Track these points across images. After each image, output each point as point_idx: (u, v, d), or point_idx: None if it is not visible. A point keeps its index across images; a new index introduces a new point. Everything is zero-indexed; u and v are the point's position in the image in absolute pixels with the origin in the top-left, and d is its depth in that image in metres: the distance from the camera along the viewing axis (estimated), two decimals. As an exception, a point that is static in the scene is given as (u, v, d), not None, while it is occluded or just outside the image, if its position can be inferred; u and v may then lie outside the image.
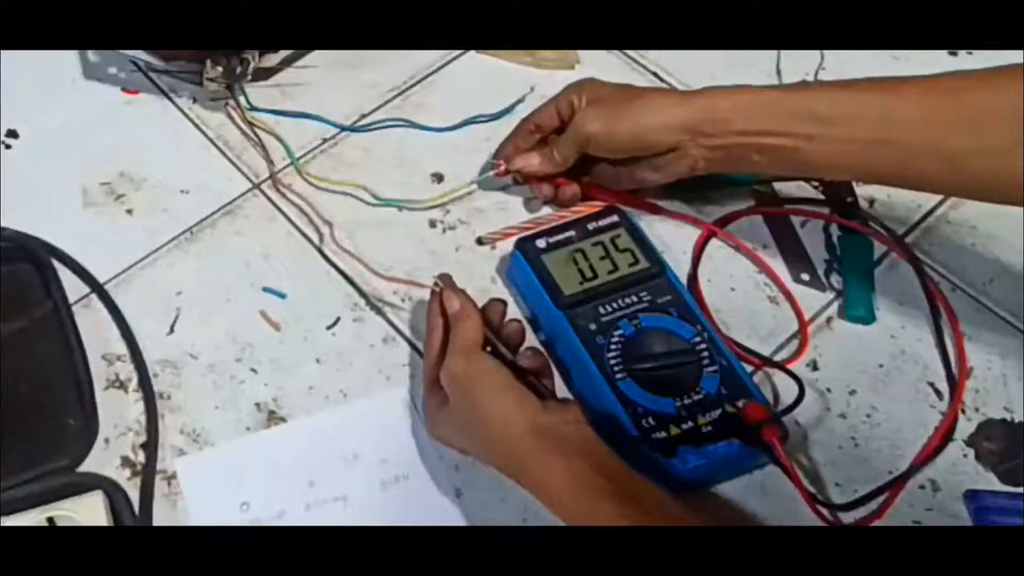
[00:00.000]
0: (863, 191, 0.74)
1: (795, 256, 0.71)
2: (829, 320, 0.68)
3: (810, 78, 0.80)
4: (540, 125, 0.71)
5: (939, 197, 0.74)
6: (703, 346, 0.63)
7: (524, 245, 0.68)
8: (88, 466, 0.61)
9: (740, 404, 0.61)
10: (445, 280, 0.62)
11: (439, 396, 0.59)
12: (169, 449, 0.63)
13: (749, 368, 0.65)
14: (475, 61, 0.82)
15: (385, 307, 0.69)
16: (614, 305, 0.65)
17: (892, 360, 0.67)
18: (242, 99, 0.77)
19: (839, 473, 0.62)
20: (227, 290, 0.69)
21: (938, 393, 0.65)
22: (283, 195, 0.73)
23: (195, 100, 0.79)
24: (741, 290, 0.70)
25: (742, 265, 0.71)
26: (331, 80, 0.80)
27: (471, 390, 0.57)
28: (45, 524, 0.57)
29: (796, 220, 0.73)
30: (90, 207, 0.73)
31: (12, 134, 0.77)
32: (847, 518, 0.60)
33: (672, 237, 0.72)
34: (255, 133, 0.77)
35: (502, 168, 0.71)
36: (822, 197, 0.74)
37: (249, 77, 0.76)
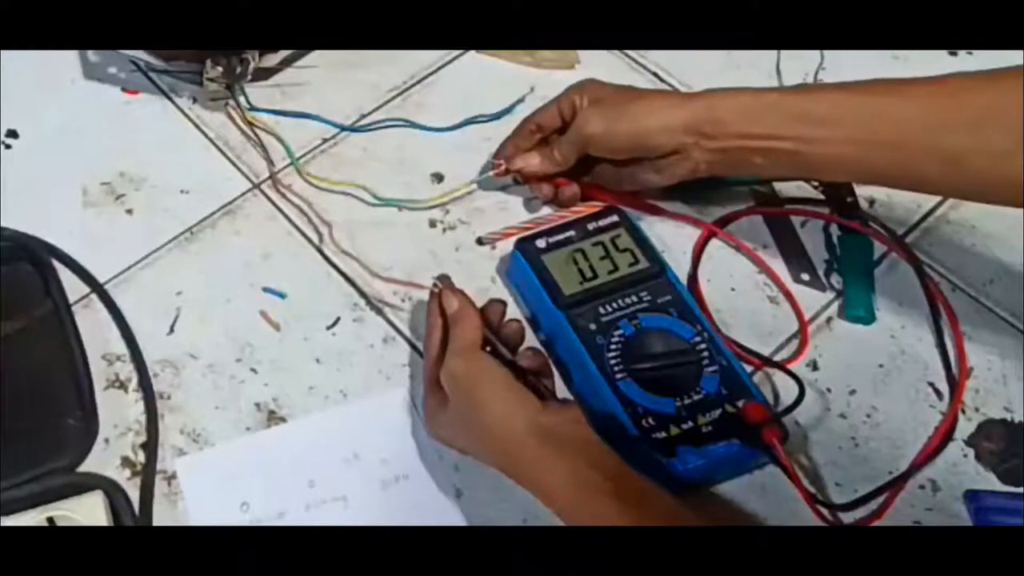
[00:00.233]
0: (863, 191, 0.74)
1: (795, 256, 0.71)
2: (829, 320, 0.68)
3: (810, 78, 0.80)
4: (541, 125, 0.71)
5: (939, 197, 0.74)
6: (703, 346, 0.63)
7: (524, 245, 0.68)
8: (88, 466, 0.61)
9: (740, 404, 0.61)
10: (444, 281, 0.62)
11: (439, 396, 0.59)
12: (169, 449, 0.63)
13: (749, 368, 0.65)
14: (475, 61, 0.82)
15: (385, 307, 0.69)
16: (614, 305, 0.65)
17: (892, 360, 0.67)
18: (242, 99, 0.77)
19: (839, 473, 0.62)
20: (227, 290, 0.69)
21: (938, 393, 0.65)
22: (283, 195, 0.73)
23: (195, 100, 0.79)
24: (741, 290, 0.70)
25: (742, 265, 0.71)
26: (331, 80, 0.80)
27: (471, 390, 0.57)
28: (45, 524, 0.57)
29: (796, 220, 0.73)
30: (90, 207, 0.73)
31: (12, 134, 0.77)
32: (847, 518, 0.60)
33: (672, 237, 0.72)
34: (255, 133, 0.77)
35: (502, 168, 0.71)
36: (822, 197, 0.74)
37: (249, 77, 0.76)
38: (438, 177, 0.75)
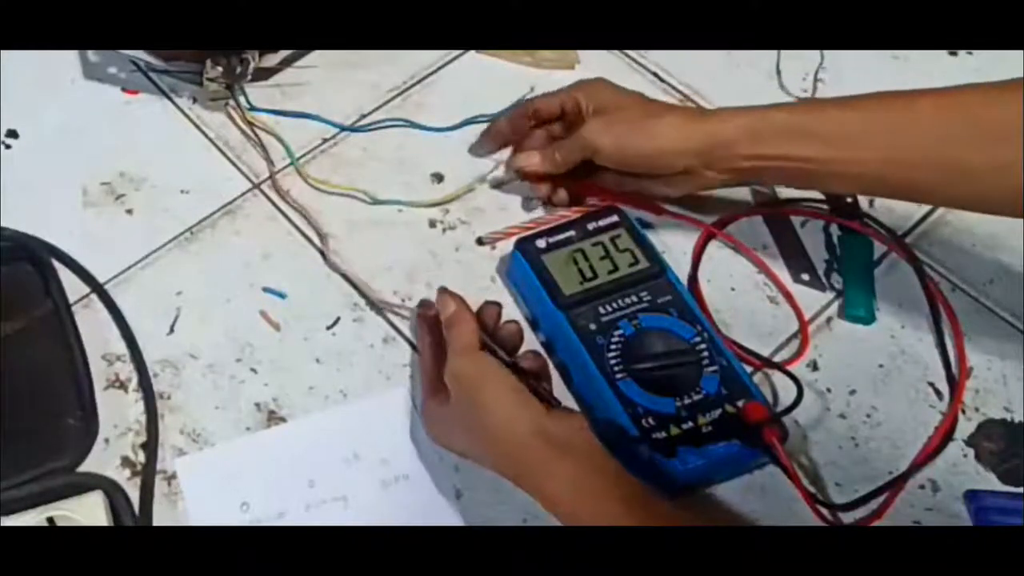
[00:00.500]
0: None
1: (795, 256, 0.71)
2: (829, 320, 0.68)
3: (809, 78, 0.80)
4: (538, 111, 0.71)
5: (939, 198, 0.74)
6: (703, 346, 0.63)
7: (524, 245, 0.68)
8: (88, 466, 0.61)
9: (740, 404, 0.61)
10: (440, 289, 0.63)
11: (439, 397, 0.59)
12: (169, 449, 0.63)
13: (749, 368, 0.65)
14: (475, 61, 0.82)
15: (385, 307, 0.69)
16: (614, 305, 0.65)
17: (892, 360, 0.67)
18: (242, 99, 0.77)
19: (839, 473, 0.62)
20: (227, 290, 0.69)
21: (938, 393, 0.65)
22: (283, 195, 0.73)
23: (195, 100, 0.79)
24: (741, 290, 0.70)
25: (742, 265, 0.71)
26: (331, 80, 0.80)
27: (474, 390, 0.57)
28: (45, 524, 0.57)
29: (796, 220, 0.73)
30: (90, 207, 0.73)
31: (12, 134, 0.77)
32: (847, 518, 0.60)
33: (672, 237, 0.72)
34: (255, 133, 0.77)
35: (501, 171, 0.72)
36: (822, 197, 0.74)
37: (249, 77, 0.76)
38: (438, 177, 0.75)
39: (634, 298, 0.65)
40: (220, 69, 0.75)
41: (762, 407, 0.61)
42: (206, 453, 0.62)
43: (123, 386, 0.65)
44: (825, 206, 0.73)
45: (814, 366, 0.66)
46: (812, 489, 0.60)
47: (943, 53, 0.82)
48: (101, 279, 0.69)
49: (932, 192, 0.61)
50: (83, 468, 0.61)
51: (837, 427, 0.64)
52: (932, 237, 0.72)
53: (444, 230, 0.72)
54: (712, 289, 0.69)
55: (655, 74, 0.81)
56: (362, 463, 0.62)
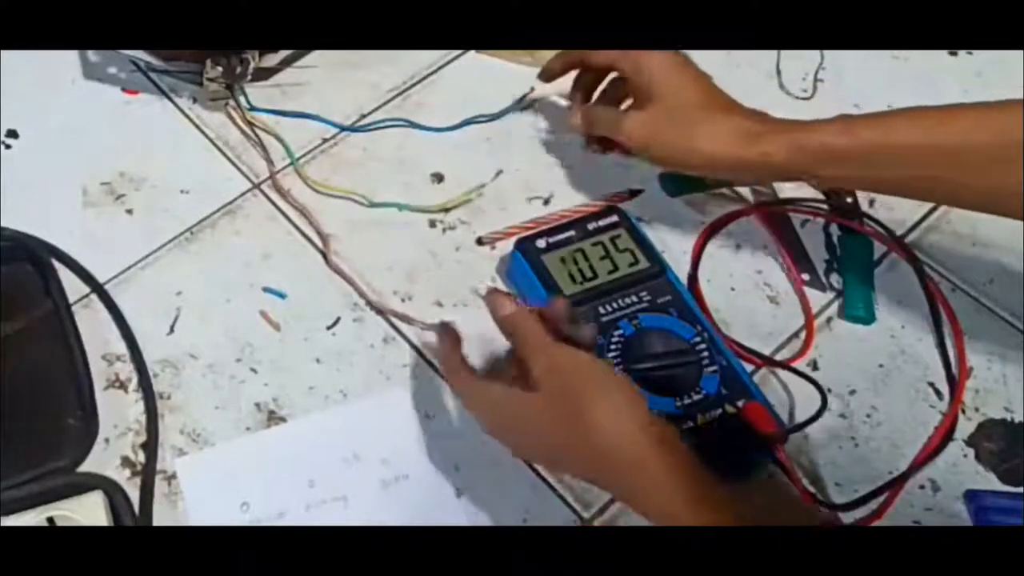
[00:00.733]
0: (863, 192, 0.74)
1: (795, 256, 0.71)
2: (829, 320, 0.68)
3: (809, 79, 0.80)
4: (586, 62, 0.71)
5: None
6: (703, 346, 0.63)
7: (524, 245, 0.68)
8: (88, 466, 0.61)
9: (740, 404, 0.61)
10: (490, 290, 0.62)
11: (507, 394, 0.54)
12: (169, 449, 0.63)
13: (749, 368, 0.65)
14: (475, 61, 0.82)
15: (385, 311, 0.69)
16: (614, 305, 0.65)
17: (892, 360, 0.67)
18: (242, 99, 0.77)
19: (839, 473, 0.62)
20: (227, 290, 0.69)
21: (938, 393, 0.65)
22: (283, 195, 0.73)
23: (195, 100, 0.79)
24: (741, 290, 0.70)
25: (742, 265, 0.71)
26: (331, 80, 0.80)
27: (573, 387, 0.51)
28: (45, 524, 0.57)
29: (796, 220, 0.73)
30: (90, 207, 0.73)
31: (12, 134, 0.77)
32: (847, 518, 0.60)
33: (672, 237, 0.72)
34: (255, 133, 0.77)
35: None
36: (822, 197, 0.74)
37: (249, 77, 0.76)
38: (438, 177, 0.75)
39: (634, 298, 0.65)
40: (220, 69, 0.75)
41: (762, 407, 0.61)
42: (206, 453, 0.62)
43: (123, 386, 0.65)
44: (825, 206, 0.73)
45: (814, 366, 0.66)
46: (812, 489, 0.60)
47: (943, 53, 0.82)
48: (101, 279, 0.69)
49: (957, 200, 0.63)
50: (83, 468, 0.61)
51: (837, 427, 0.64)
52: (932, 237, 0.72)
53: (444, 230, 0.72)
54: (712, 289, 0.69)
55: (655, 74, 0.81)
56: (362, 463, 0.62)
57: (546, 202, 0.73)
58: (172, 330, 0.67)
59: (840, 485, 0.61)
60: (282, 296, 0.69)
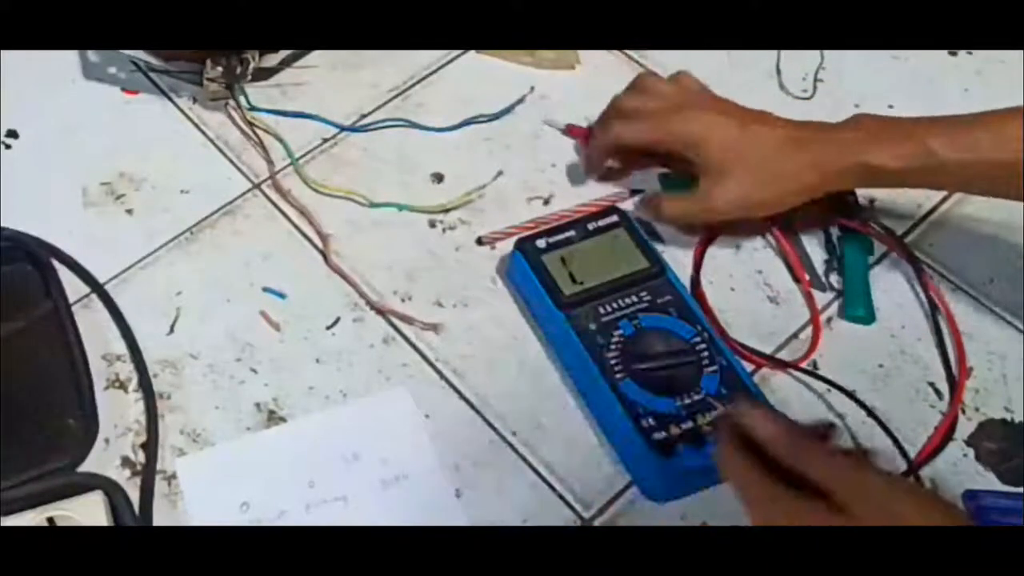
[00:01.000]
0: (863, 191, 0.74)
1: (798, 257, 0.71)
2: (829, 320, 0.68)
3: (809, 79, 0.80)
4: (623, 145, 0.71)
5: (940, 196, 0.74)
6: (703, 346, 0.63)
7: (524, 245, 0.68)
8: (88, 466, 0.61)
9: (740, 404, 0.61)
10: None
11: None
12: (169, 449, 0.63)
13: (749, 368, 0.65)
14: (475, 61, 0.82)
15: (385, 311, 0.69)
16: (614, 305, 0.65)
17: (892, 360, 0.67)
18: (242, 99, 0.77)
19: (839, 473, 0.62)
20: (227, 290, 0.69)
21: (938, 393, 0.65)
22: (283, 195, 0.73)
23: (195, 100, 0.79)
24: (741, 290, 0.70)
25: (742, 265, 0.71)
26: (331, 80, 0.80)
27: (889, 505, 0.45)
28: (45, 524, 0.57)
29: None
30: (90, 207, 0.73)
31: (12, 134, 0.77)
32: (847, 518, 0.60)
33: (672, 237, 0.72)
34: (255, 133, 0.77)
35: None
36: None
37: (249, 77, 0.76)
38: (438, 177, 0.75)
39: (634, 298, 0.65)
40: (220, 69, 0.75)
41: (762, 407, 0.60)
42: (206, 453, 0.62)
43: (123, 386, 0.65)
44: (825, 214, 0.73)
45: (814, 366, 0.66)
46: (812, 489, 0.60)
47: (943, 53, 0.82)
48: (101, 279, 0.69)
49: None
50: (83, 468, 0.61)
51: (837, 427, 0.64)
52: (932, 237, 0.72)
53: (444, 230, 0.72)
54: (712, 289, 0.69)
55: (655, 74, 0.81)
56: (362, 463, 0.62)
57: (546, 202, 0.74)
58: (172, 330, 0.67)
59: (840, 485, 0.61)
60: (282, 296, 0.69)
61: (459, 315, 0.68)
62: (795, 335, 0.67)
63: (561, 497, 0.61)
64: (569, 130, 0.76)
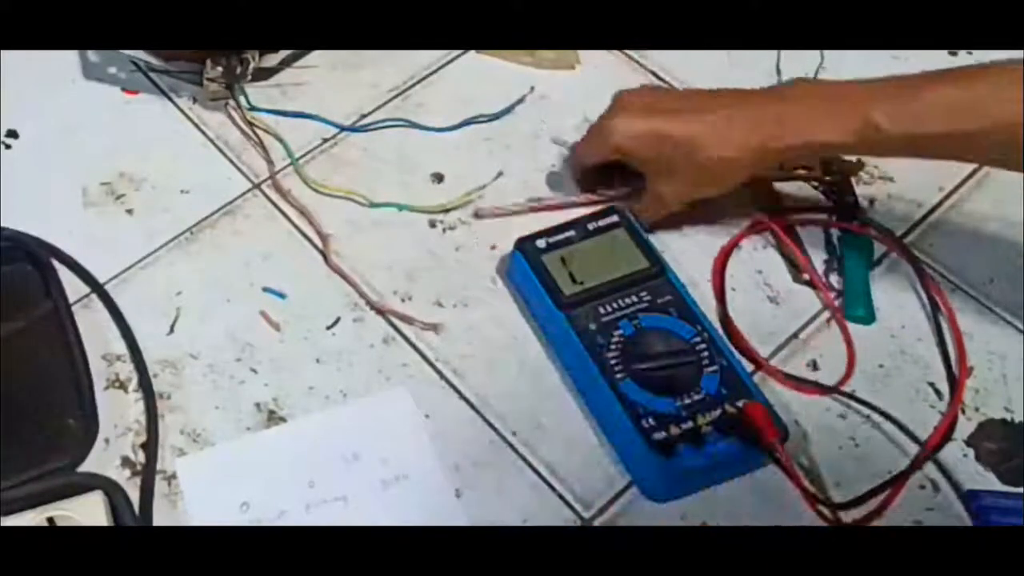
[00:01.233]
0: (863, 191, 0.74)
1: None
2: (829, 320, 0.68)
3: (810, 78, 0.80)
4: (587, 172, 0.73)
5: (940, 196, 0.74)
6: (703, 346, 0.63)
7: (524, 245, 0.68)
8: (88, 466, 0.61)
9: (740, 404, 0.61)
10: None
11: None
12: (169, 449, 0.63)
13: (749, 368, 0.65)
14: (475, 61, 0.82)
15: (386, 311, 0.69)
16: (614, 305, 0.65)
17: (892, 360, 0.67)
18: (242, 99, 0.77)
19: (839, 473, 0.62)
20: (227, 290, 0.69)
21: (938, 393, 0.65)
22: (283, 195, 0.73)
23: (195, 100, 0.79)
24: (741, 290, 0.70)
25: (742, 265, 0.71)
26: (331, 80, 0.80)
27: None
28: (45, 524, 0.57)
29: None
30: (90, 207, 0.73)
31: (12, 134, 0.77)
32: (847, 518, 0.60)
33: (672, 237, 0.71)
34: (255, 133, 0.77)
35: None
36: (822, 198, 0.74)
37: (249, 77, 0.76)
38: (438, 177, 0.75)
39: (634, 298, 0.65)
40: (220, 69, 0.75)
41: (762, 407, 0.61)
42: (206, 453, 0.62)
43: (123, 386, 0.65)
44: (825, 215, 0.73)
45: (814, 366, 0.66)
46: (812, 489, 0.60)
47: (943, 53, 0.82)
48: (101, 279, 0.69)
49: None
50: (83, 468, 0.61)
51: (837, 427, 0.64)
52: (932, 237, 0.72)
53: (444, 230, 0.72)
54: (712, 289, 0.69)
55: (655, 74, 0.81)
56: (362, 463, 0.62)
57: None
58: (172, 330, 0.67)
59: (840, 485, 0.61)
60: (282, 296, 0.69)
61: (459, 315, 0.68)
62: (795, 335, 0.67)
63: (561, 497, 0.61)
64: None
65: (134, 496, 0.60)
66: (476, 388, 0.65)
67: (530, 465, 0.62)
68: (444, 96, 0.80)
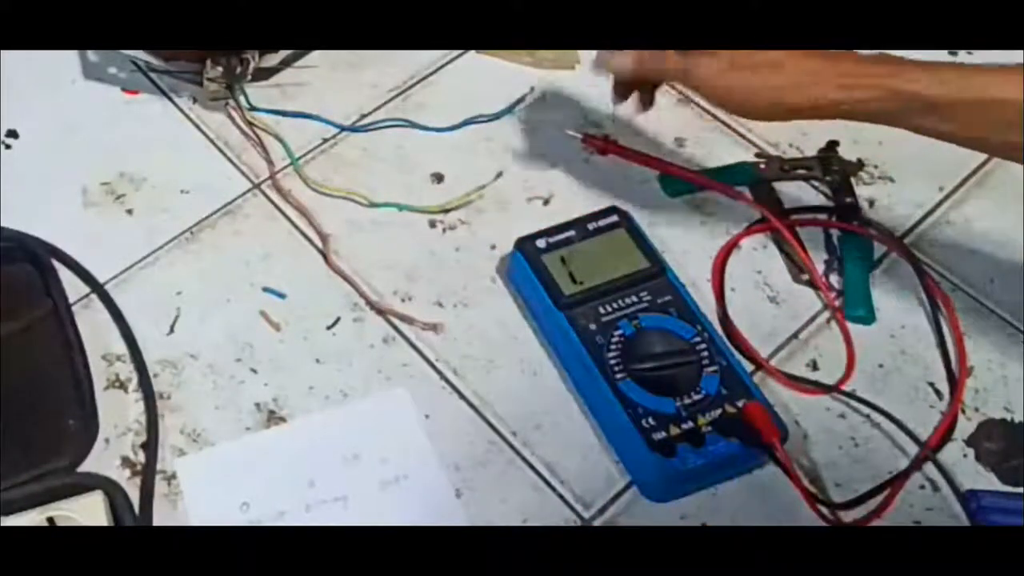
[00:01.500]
0: (863, 191, 0.74)
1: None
2: (829, 320, 0.68)
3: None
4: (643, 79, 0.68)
5: (940, 196, 0.74)
6: (703, 346, 0.63)
7: (524, 245, 0.68)
8: (88, 466, 0.61)
9: (740, 404, 0.61)
10: None
11: None
12: (169, 449, 0.63)
13: (749, 368, 0.65)
14: (475, 61, 0.82)
15: (386, 311, 0.69)
16: (614, 305, 0.65)
17: (892, 360, 0.67)
18: (242, 99, 0.77)
19: (839, 473, 0.62)
20: (227, 290, 0.69)
21: (938, 393, 0.65)
22: (283, 195, 0.73)
23: (195, 100, 0.79)
24: (741, 290, 0.70)
25: (742, 265, 0.71)
26: (331, 80, 0.80)
27: None
28: (45, 524, 0.57)
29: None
30: (90, 207, 0.73)
31: (12, 134, 0.77)
32: (847, 518, 0.60)
33: (672, 237, 0.72)
34: (255, 133, 0.77)
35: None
36: (822, 198, 0.74)
37: (249, 77, 0.76)
38: (438, 177, 0.75)
39: (634, 298, 0.65)
40: (220, 69, 0.75)
41: (762, 407, 0.61)
42: (206, 453, 0.62)
43: (123, 386, 0.65)
44: (825, 215, 0.73)
45: (814, 366, 0.66)
46: (812, 489, 0.60)
47: (943, 53, 0.82)
48: (101, 279, 0.69)
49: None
50: (83, 468, 0.61)
51: (837, 427, 0.64)
52: (932, 237, 0.72)
53: (444, 230, 0.72)
54: (712, 289, 0.69)
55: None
56: (362, 463, 0.62)
57: (546, 202, 0.74)
58: (172, 330, 0.67)
59: (840, 485, 0.61)
60: (282, 296, 0.69)
61: (459, 315, 0.68)
62: (795, 335, 0.67)
63: (561, 497, 0.61)
64: (586, 140, 0.76)
65: (134, 496, 0.60)
66: (476, 388, 0.65)
67: (530, 465, 0.62)
68: (444, 96, 0.80)
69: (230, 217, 0.73)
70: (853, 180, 0.75)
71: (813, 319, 0.68)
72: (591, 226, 0.68)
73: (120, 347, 0.66)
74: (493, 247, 0.71)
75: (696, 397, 0.61)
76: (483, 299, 0.69)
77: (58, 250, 0.70)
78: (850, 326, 0.68)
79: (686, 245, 0.71)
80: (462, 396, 0.65)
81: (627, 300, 0.65)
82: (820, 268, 0.70)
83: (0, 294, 0.66)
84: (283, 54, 0.80)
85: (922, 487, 0.61)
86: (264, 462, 0.62)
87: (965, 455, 0.63)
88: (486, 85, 0.80)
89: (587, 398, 0.64)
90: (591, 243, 0.68)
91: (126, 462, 0.62)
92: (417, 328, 0.67)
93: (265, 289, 0.69)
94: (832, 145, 0.76)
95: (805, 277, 0.70)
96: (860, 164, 0.75)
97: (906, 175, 0.75)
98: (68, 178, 0.74)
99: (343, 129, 0.77)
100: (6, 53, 0.80)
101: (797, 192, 0.74)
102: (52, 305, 0.66)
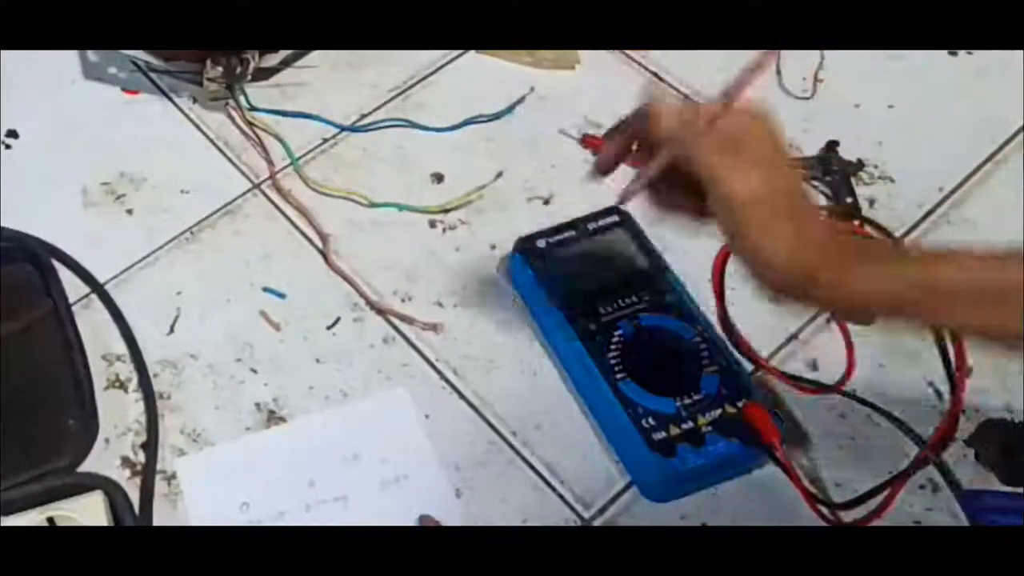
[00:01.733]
0: (863, 191, 0.74)
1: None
2: (829, 320, 0.68)
3: (809, 79, 0.80)
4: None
5: (940, 196, 0.74)
6: (703, 346, 0.63)
7: (524, 245, 0.68)
8: (88, 466, 0.61)
9: (740, 404, 0.61)
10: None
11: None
12: (169, 449, 0.63)
13: (749, 368, 0.65)
14: (475, 61, 0.82)
15: (386, 311, 0.69)
16: (614, 305, 0.65)
17: (892, 360, 0.67)
18: (242, 99, 0.77)
19: (839, 473, 0.62)
20: (227, 290, 0.69)
21: (938, 393, 0.65)
22: (283, 195, 0.73)
23: (195, 100, 0.79)
24: (741, 290, 0.70)
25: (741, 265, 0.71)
26: (331, 80, 0.80)
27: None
28: (45, 524, 0.57)
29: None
30: (90, 207, 0.73)
31: (12, 134, 0.77)
32: (847, 518, 0.60)
33: (672, 237, 0.71)
34: (255, 133, 0.77)
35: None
36: (822, 198, 0.74)
37: (249, 77, 0.76)
38: (438, 177, 0.75)
39: (634, 298, 0.65)
40: (220, 69, 0.75)
41: (762, 407, 0.61)
42: (206, 453, 0.62)
43: (123, 386, 0.65)
44: (825, 214, 0.73)
45: (814, 366, 0.66)
46: (812, 489, 0.60)
47: (943, 53, 0.82)
48: (101, 279, 0.69)
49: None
50: (83, 468, 0.61)
51: (837, 427, 0.64)
52: (932, 237, 0.72)
53: (444, 230, 0.72)
54: (711, 289, 0.69)
55: (655, 74, 0.81)
56: (362, 463, 0.62)
57: (546, 202, 0.74)
58: (172, 330, 0.67)
59: (840, 485, 0.61)
60: (282, 296, 0.69)
61: (459, 315, 0.68)
62: (795, 335, 0.67)
63: (561, 497, 0.61)
64: (585, 140, 0.76)
65: (134, 496, 0.60)
66: (476, 388, 0.65)
67: (530, 465, 0.62)
68: (444, 96, 0.80)
69: (230, 217, 0.73)
70: (853, 180, 0.75)
71: (813, 319, 0.68)
72: (591, 226, 0.68)
73: (120, 347, 0.66)
74: (493, 247, 0.71)
75: (696, 397, 0.61)
76: (483, 299, 0.69)
77: (58, 250, 0.70)
78: (850, 326, 0.68)
79: (686, 245, 0.71)
80: (462, 396, 0.65)
81: (627, 300, 0.65)
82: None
83: (0, 294, 0.66)
84: (283, 54, 0.80)
85: (922, 487, 0.61)
86: (264, 462, 0.62)
87: (965, 455, 0.63)
88: (486, 85, 0.80)
89: (587, 398, 0.64)
90: (591, 243, 0.68)
91: (126, 462, 0.62)
92: (417, 328, 0.67)
93: (265, 289, 0.69)
94: (832, 145, 0.76)
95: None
96: (860, 164, 0.75)
97: (906, 175, 0.75)
98: (68, 178, 0.74)
99: (343, 129, 0.77)
100: (6, 53, 0.80)
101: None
102: (52, 305, 0.66)
